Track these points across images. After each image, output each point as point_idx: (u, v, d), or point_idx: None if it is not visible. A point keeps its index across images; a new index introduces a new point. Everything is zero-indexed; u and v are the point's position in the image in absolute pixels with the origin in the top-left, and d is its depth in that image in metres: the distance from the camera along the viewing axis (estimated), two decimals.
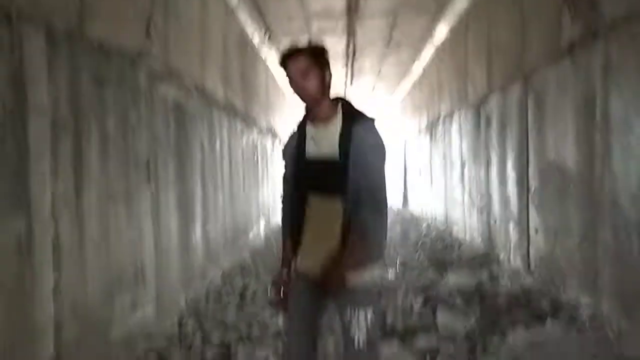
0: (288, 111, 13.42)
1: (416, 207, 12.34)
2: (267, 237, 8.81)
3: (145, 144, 3.71)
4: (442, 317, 3.83)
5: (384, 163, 1.99)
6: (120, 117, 3.33)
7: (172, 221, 4.26)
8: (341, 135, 1.95)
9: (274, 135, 10.76)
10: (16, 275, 2.24)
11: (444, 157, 9.11)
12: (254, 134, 8.48)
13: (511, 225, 5.57)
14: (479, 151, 6.78)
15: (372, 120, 2.02)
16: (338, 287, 1.87)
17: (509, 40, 5.56)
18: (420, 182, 11.83)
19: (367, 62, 11.35)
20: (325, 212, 1.98)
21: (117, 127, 3.28)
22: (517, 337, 3.36)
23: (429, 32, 9.07)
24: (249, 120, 7.96)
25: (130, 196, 3.44)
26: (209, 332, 3.77)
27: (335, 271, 1.87)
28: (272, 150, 10.42)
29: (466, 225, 7.56)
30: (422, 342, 3.39)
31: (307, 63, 1.91)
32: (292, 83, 1.95)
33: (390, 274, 5.59)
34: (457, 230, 8.10)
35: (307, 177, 2.04)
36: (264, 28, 8.48)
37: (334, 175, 1.95)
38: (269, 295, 2.29)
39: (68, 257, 2.63)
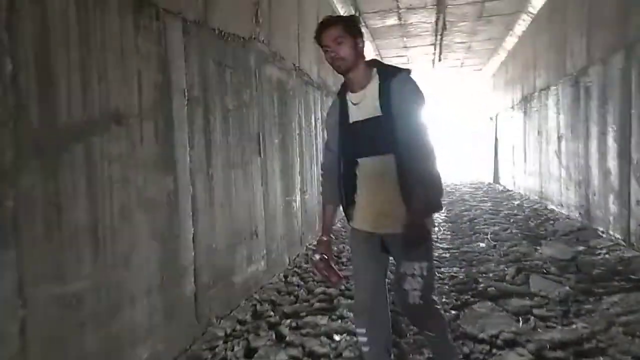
0: None
1: (508, 182, 12.06)
2: None
3: (255, 118, 4.14)
4: (535, 284, 3.93)
5: (423, 110, 2.00)
6: (236, 95, 3.77)
7: (277, 189, 4.71)
8: (380, 93, 1.99)
9: None
10: (167, 223, 2.73)
11: (539, 132, 8.86)
12: None
13: (611, 199, 5.43)
14: (578, 125, 6.58)
15: (407, 71, 2.05)
16: (423, 238, 1.91)
17: (611, 9, 5.35)
18: (512, 156, 11.53)
19: (456, 37, 11.17)
20: (377, 171, 2.04)
21: (234, 104, 3.72)
22: (614, 303, 3.40)
23: (522, 5, 8.77)
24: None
25: (246, 164, 3.89)
26: (312, 287, 4.18)
27: (417, 224, 1.89)
28: None
29: (562, 199, 7.39)
30: (515, 303, 3.54)
31: (339, 31, 1.96)
32: (327, 53, 2.01)
33: (482, 245, 5.70)
34: (553, 205, 7.92)
35: (353, 142, 2.08)
36: (353, 6, 8.68)
37: (380, 133, 1.99)
38: (311, 261, 2.05)
39: (202, 212, 3.12)
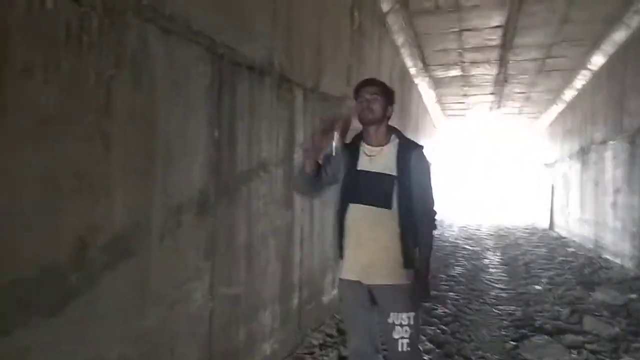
0: (430, 132, 14.18)
1: (563, 229, 12.24)
2: None
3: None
4: (588, 323, 4.38)
5: (432, 183, 2.27)
6: None
7: None
8: (398, 157, 2.19)
9: None
10: (285, 247, 3.46)
11: (596, 183, 9.18)
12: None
13: None
14: (634, 179, 6.96)
15: (422, 147, 2.28)
16: (426, 296, 2.18)
17: None
18: (568, 205, 11.76)
19: (516, 88, 11.71)
20: (374, 220, 2.17)
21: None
22: None
23: (583, 61, 9.28)
24: None
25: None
26: None
27: (422, 283, 2.15)
28: None
29: (617, 249, 7.67)
30: (569, 338, 4.02)
31: (377, 90, 2.22)
32: (360, 103, 2.22)
33: (538, 288, 6.12)
34: (607, 254, 8.19)
35: (353, 187, 2.21)
36: (421, 61, 9.45)
37: (388, 189, 2.16)
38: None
39: (306, 240, 3.84)
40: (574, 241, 10.81)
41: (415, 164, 2.18)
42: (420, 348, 2.27)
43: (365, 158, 2.23)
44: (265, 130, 3.08)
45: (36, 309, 1.44)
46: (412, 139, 2.36)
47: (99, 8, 1.67)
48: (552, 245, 10.66)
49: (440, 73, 10.38)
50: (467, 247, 10.06)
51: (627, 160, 7.30)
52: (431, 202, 2.24)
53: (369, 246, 2.17)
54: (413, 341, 2.15)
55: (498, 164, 25.00)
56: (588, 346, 3.87)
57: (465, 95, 12.48)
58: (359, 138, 2.31)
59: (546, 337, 4.04)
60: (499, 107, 13.56)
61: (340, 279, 2.32)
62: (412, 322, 2.14)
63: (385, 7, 6.68)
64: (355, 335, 2.29)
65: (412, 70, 9.61)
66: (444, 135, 17.75)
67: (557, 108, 13.19)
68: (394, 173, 2.16)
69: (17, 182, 1.38)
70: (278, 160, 3.28)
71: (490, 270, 7.55)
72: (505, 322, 4.64)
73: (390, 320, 2.14)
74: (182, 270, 2.20)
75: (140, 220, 1.91)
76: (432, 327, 4.32)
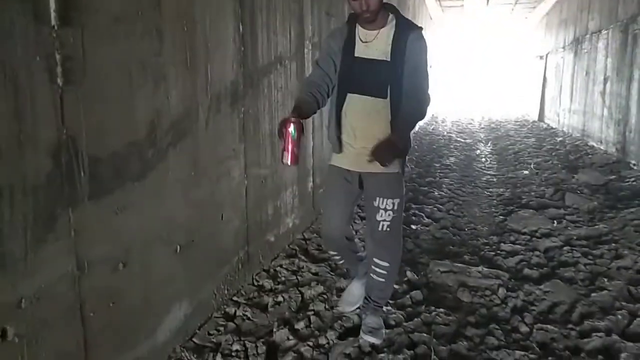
0: (427, 24, 14.01)
1: (553, 120, 12.65)
2: None
3: None
4: (569, 199, 4.90)
5: (428, 67, 2.17)
6: None
7: None
8: (394, 40, 2.05)
9: None
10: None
11: (587, 73, 9.41)
12: None
13: None
14: (623, 68, 7.20)
15: (421, 28, 2.14)
16: (383, 160, 1.92)
17: None
18: (559, 95, 12.06)
19: None
20: (367, 111, 2.12)
21: None
22: (631, 213, 4.35)
23: None
24: None
25: None
26: None
27: (390, 142, 1.97)
28: None
29: (602, 136, 8.13)
30: (552, 211, 4.55)
31: None
32: (354, 2, 1.99)
33: (525, 172, 6.62)
34: (593, 142, 8.66)
35: (350, 76, 2.12)
36: None
37: (382, 77, 2.07)
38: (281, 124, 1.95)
39: (317, 132, 4.16)
40: (563, 131, 11.26)
41: (411, 46, 2.05)
42: (400, 230, 2.28)
43: (360, 43, 2.11)
44: (280, 24, 3.27)
45: (127, 175, 1.79)
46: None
47: None
48: (541, 135, 11.12)
49: None
50: (459, 139, 10.49)
51: (619, 49, 7.48)
52: (425, 87, 2.12)
53: (363, 136, 2.13)
54: (394, 225, 2.19)
55: (493, 58, 24.80)
56: (568, 217, 4.40)
57: None
58: (354, 20, 2.14)
59: (531, 211, 4.56)
60: None
61: (331, 165, 2.31)
62: (396, 208, 2.17)
63: None
64: (331, 221, 2.30)
65: None
66: (440, 28, 17.46)
67: None
68: (387, 59, 2.06)
69: (103, 73, 1.66)
70: (291, 54, 3.50)
71: (482, 159, 8.04)
72: (494, 201, 5.16)
73: (375, 204, 2.17)
74: (223, 151, 2.55)
75: (191, 107, 2.21)
76: (429, 206, 4.82)
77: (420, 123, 11.26)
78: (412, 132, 2.23)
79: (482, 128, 13.21)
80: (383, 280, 2.30)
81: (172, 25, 2.05)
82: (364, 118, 2.13)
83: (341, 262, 2.58)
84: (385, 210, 2.16)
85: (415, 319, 2.56)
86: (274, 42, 3.17)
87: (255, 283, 2.95)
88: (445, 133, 11.67)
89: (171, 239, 2.12)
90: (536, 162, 7.34)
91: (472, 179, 6.39)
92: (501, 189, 5.71)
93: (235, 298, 2.72)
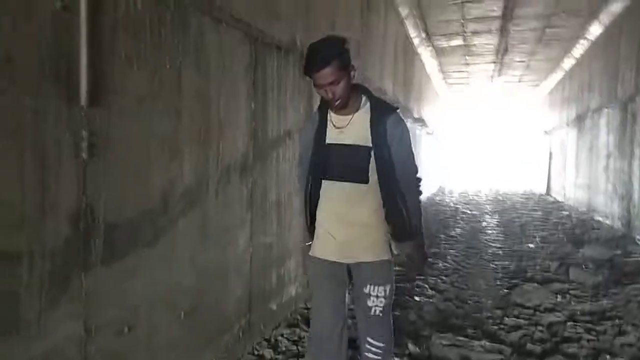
0: (433, 100, 14.51)
1: (559, 194, 12.74)
2: None
3: None
4: (574, 274, 4.89)
5: (412, 149, 2.09)
6: None
7: None
8: (372, 125, 1.96)
9: (423, 123, 12.01)
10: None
11: (590, 149, 9.62)
12: (409, 123, 9.84)
13: None
14: (624, 145, 7.39)
15: (397, 109, 2.07)
16: (424, 266, 2.28)
17: None
18: (564, 170, 12.23)
19: (516, 56, 11.99)
20: (350, 197, 2.01)
21: None
22: (635, 289, 4.34)
23: (581, 31, 9.56)
24: (405, 112, 9.35)
25: None
26: None
27: (418, 254, 2.09)
28: (420, 136, 11.69)
29: (607, 211, 8.18)
30: (556, 286, 4.54)
31: (334, 71, 1.83)
32: (320, 90, 1.90)
33: (531, 246, 6.63)
34: (599, 216, 8.70)
35: (325, 163, 2.02)
36: (424, 31, 9.73)
37: (364, 163, 1.97)
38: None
39: None
40: (568, 205, 11.32)
41: (392, 131, 1.97)
42: (391, 314, 2.21)
43: (333, 129, 2.02)
44: (290, 101, 3.50)
45: (139, 241, 1.91)
46: (387, 102, 2.15)
47: (171, 5, 2.07)
48: (547, 209, 11.17)
49: (442, 43, 10.66)
50: (466, 211, 10.56)
51: (619, 127, 7.71)
52: (414, 169, 2.08)
53: (347, 224, 2.03)
54: (386, 310, 2.13)
55: (498, 132, 25.35)
56: (572, 292, 4.38)
57: (466, 64, 12.76)
58: (326, 106, 2.04)
59: (535, 285, 4.55)
60: (499, 75, 13.85)
61: (313, 258, 2.14)
62: (387, 294, 2.10)
63: None
64: (320, 321, 2.15)
65: (416, 41, 9.89)
66: (446, 103, 18.06)
67: (557, 76, 13.49)
68: (369, 144, 1.96)
69: (124, 147, 1.82)
70: (300, 128, 3.71)
71: (488, 231, 8.07)
72: (499, 274, 5.16)
73: (365, 291, 2.08)
74: (230, 219, 2.67)
75: (202, 178, 2.36)
76: (434, 278, 4.83)
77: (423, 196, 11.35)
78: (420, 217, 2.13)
79: (489, 200, 13.31)
80: (380, 358, 2.22)
81: (189, 105, 2.24)
82: (347, 204, 2.03)
83: None
84: (377, 297, 2.08)
85: None
86: (283, 118, 3.38)
87: (256, 352, 2.96)
88: (452, 204, 11.77)
89: (176, 304, 2.19)
90: (542, 236, 7.35)
91: (478, 251, 6.41)
92: (506, 262, 5.71)
93: None
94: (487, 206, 11.78)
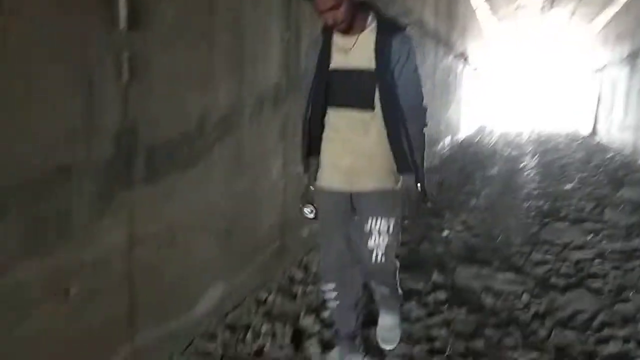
0: (477, 32, 13.90)
1: (605, 135, 12.27)
2: (451, 150, 10.04)
3: None
4: (609, 214, 4.85)
5: (418, 70, 1.94)
6: None
7: None
8: (376, 46, 1.84)
9: (465, 59, 11.60)
10: None
11: None
12: (450, 58, 9.54)
13: None
14: None
15: (406, 28, 1.91)
16: (423, 202, 1.99)
17: None
18: (612, 110, 11.70)
19: None
20: (354, 124, 1.93)
21: None
22: None
23: None
24: (448, 46, 9.04)
25: None
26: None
27: (416, 191, 1.96)
28: (462, 73, 11.33)
29: None
30: (588, 225, 4.52)
31: None
32: (321, 15, 1.79)
33: (568, 187, 6.53)
34: None
35: (329, 90, 1.92)
36: None
37: (368, 87, 1.87)
38: (301, 212, 2.09)
39: None
40: (614, 147, 10.93)
41: (397, 51, 1.84)
42: (397, 260, 2.12)
43: (338, 53, 1.91)
44: None
45: (176, 162, 2.03)
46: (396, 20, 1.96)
47: None
48: (591, 150, 10.83)
49: None
50: (505, 151, 10.38)
51: None
52: (418, 96, 1.95)
53: (352, 152, 1.94)
54: (389, 252, 2.00)
55: (546, 70, 24.15)
56: (604, 232, 4.36)
57: None
58: (330, 28, 1.88)
59: (567, 223, 4.55)
60: (551, 7, 13.03)
61: (318, 189, 2.06)
62: (390, 230, 1.97)
63: None
64: (330, 252, 2.09)
65: None
66: (491, 38, 17.26)
67: (612, 10, 12.59)
68: (372, 67, 1.85)
69: (161, 72, 1.90)
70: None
71: (526, 172, 7.96)
72: (532, 213, 5.15)
73: (367, 227, 1.98)
74: (264, 148, 2.77)
75: (236, 106, 2.44)
76: (464, 213, 4.89)
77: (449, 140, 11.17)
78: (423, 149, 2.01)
79: (531, 141, 12.98)
80: (388, 294, 2.25)
81: (222, 33, 2.28)
82: (351, 132, 1.94)
83: (334, 303, 2.16)
84: (379, 233, 1.97)
85: (436, 317, 2.68)
86: None
87: (287, 274, 3.15)
88: (491, 144, 11.56)
89: (212, 226, 2.35)
90: (581, 177, 7.21)
91: (512, 191, 6.37)
92: (540, 202, 5.67)
93: (267, 285, 2.93)
94: (528, 147, 11.51)
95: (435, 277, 3.18)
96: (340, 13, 1.74)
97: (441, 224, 4.50)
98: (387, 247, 1.99)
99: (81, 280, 1.61)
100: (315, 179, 2.06)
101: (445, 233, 4.24)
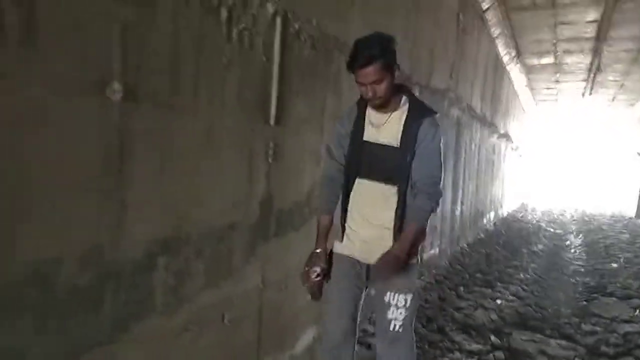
0: (520, 116, 14.48)
1: None
2: (495, 225, 10.34)
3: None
4: None
5: (440, 157, 1.98)
6: None
7: (448, 199, 6.31)
8: (405, 126, 1.93)
9: (508, 139, 12.12)
10: None
11: None
12: (494, 138, 10.08)
13: None
14: None
15: (436, 113, 2.01)
16: (390, 277, 1.93)
17: None
18: None
19: (610, 75, 11.78)
20: (376, 197, 2.00)
21: None
22: None
23: None
24: (492, 127, 9.62)
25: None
26: (473, 272, 5.71)
27: (394, 256, 1.89)
28: (505, 151, 11.82)
29: None
30: (636, 301, 4.75)
31: (378, 70, 1.81)
32: (361, 87, 1.89)
33: (614, 265, 6.72)
34: None
35: (359, 160, 2.01)
36: (515, 50, 9.94)
37: (392, 164, 1.95)
38: (303, 280, 2.16)
39: None
40: None
41: (423, 133, 1.92)
42: (413, 333, 2.10)
43: (370, 127, 2.02)
44: None
45: (294, 224, 2.58)
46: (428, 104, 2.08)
47: (322, 49, 2.74)
48: (636, 232, 10.88)
49: (533, 60, 10.78)
50: (549, 229, 10.57)
51: None
52: (436, 178, 1.96)
53: (371, 224, 2.01)
54: (406, 324, 2.02)
55: (587, 151, 24.34)
56: None
57: (557, 81, 12.68)
58: (364, 101, 2.00)
59: (615, 299, 4.79)
60: (591, 93, 13.58)
61: (335, 253, 2.14)
62: (408, 305, 2.01)
63: (484, 5, 7.37)
64: (335, 323, 2.11)
65: (505, 58, 10.11)
66: (533, 120, 17.82)
67: None
68: (396, 145, 1.95)
69: (292, 156, 2.50)
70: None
71: (571, 249, 8.16)
72: (579, 288, 5.41)
73: (386, 300, 2.01)
74: None
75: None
76: (514, 286, 5.20)
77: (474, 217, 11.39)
78: (426, 224, 2.03)
79: (574, 220, 13.08)
80: None
81: (329, 122, 2.90)
82: (372, 205, 2.01)
83: None
84: (397, 307, 2.00)
85: None
86: None
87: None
88: (534, 221, 11.76)
89: None
90: (626, 257, 7.37)
91: (559, 267, 6.61)
92: (587, 278, 5.91)
93: None
94: (572, 226, 11.65)
95: (493, 339, 3.53)
96: (380, 89, 1.85)
97: (492, 294, 4.83)
98: (405, 319, 2.02)
99: (231, 310, 2.13)
100: (325, 242, 2.14)
101: (498, 302, 4.57)
